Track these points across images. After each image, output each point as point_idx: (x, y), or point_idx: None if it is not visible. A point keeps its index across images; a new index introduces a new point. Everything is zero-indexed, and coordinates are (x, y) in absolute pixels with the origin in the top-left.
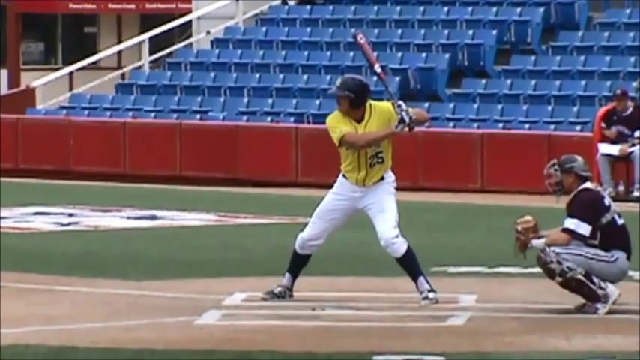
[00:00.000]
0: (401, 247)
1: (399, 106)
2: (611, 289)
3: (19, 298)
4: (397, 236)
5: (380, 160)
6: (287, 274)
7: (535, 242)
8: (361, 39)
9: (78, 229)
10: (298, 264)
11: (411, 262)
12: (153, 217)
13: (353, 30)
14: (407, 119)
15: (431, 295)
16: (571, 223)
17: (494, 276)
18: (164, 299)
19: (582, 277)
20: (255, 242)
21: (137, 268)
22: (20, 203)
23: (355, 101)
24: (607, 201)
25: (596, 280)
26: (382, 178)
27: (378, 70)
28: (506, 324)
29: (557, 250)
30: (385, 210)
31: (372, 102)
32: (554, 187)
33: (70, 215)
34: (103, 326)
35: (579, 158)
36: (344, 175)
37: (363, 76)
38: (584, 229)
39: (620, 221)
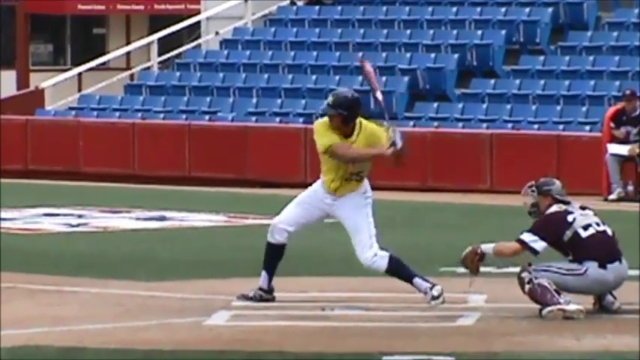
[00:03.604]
0: (382, 262)
1: (395, 130)
2: (573, 305)
3: (28, 299)
4: (375, 255)
5: (358, 178)
6: (263, 273)
7: (484, 247)
8: (367, 66)
9: (87, 230)
10: (271, 257)
11: (399, 270)
12: (162, 218)
13: (360, 54)
14: (399, 143)
15: (434, 292)
16: (527, 236)
17: (503, 276)
18: (173, 300)
19: (548, 285)
20: (264, 243)
21: (146, 268)
22: (29, 204)
23: (347, 118)
24: (572, 217)
25: (563, 295)
26: (362, 178)
27: (380, 97)
28: (515, 324)
29: (534, 268)
30: (358, 229)
31: (363, 120)
32: (529, 208)
33: (79, 216)
34: (112, 327)
35: (557, 182)
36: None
37: (352, 91)
38: (540, 246)
39: (585, 233)
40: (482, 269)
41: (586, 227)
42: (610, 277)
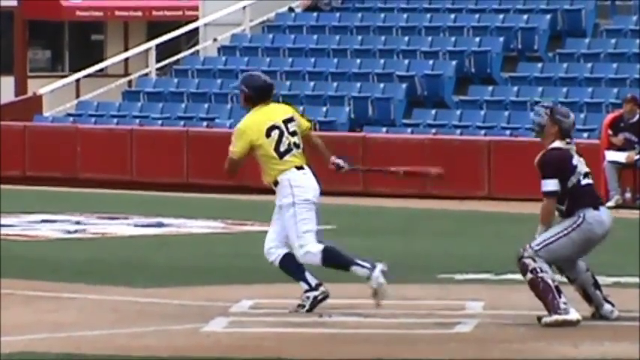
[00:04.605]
0: (314, 259)
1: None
2: (573, 312)
3: (26, 306)
4: (306, 253)
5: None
6: (301, 283)
7: (536, 234)
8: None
9: (85, 236)
10: (290, 268)
11: (336, 261)
12: (160, 225)
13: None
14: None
15: (376, 272)
16: (550, 184)
17: (501, 283)
18: (171, 306)
19: (551, 283)
20: (262, 249)
21: (144, 275)
22: (27, 210)
23: (251, 98)
24: (575, 161)
25: (563, 296)
26: (276, 183)
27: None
28: (513, 331)
29: (535, 249)
30: (285, 228)
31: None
32: (535, 126)
33: (77, 222)
34: (109, 333)
35: (572, 117)
36: None
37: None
38: (554, 184)
39: (583, 181)
40: (479, 276)
41: (585, 175)
42: (604, 217)
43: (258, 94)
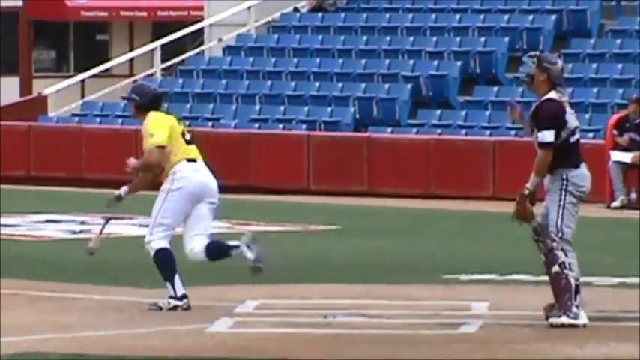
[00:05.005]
0: (151, 250)
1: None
2: (582, 317)
3: (30, 306)
4: (149, 242)
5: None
6: None
7: (527, 185)
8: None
9: (89, 236)
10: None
11: (160, 266)
12: None
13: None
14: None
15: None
16: (548, 135)
17: (506, 283)
18: None
19: (573, 283)
20: (266, 250)
21: (149, 275)
22: (32, 211)
23: (142, 106)
24: (567, 115)
25: (578, 297)
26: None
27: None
28: (518, 332)
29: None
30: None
31: (153, 114)
32: (525, 77)
33: (82, 223)
34: (114, 334)
35: (560, 63)
36: None
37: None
38: (551, 135)
39: (572, 138)
40: (484, 276)
41: (573, 132)
42: (585, 171)
43: (150, 102)
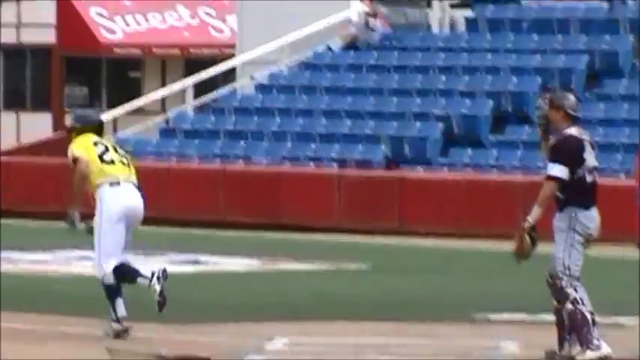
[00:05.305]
0: (104, 278)
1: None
2: (604, 347)
3: (64, 342)
4: (103, 275)
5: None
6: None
7: (529, 218)
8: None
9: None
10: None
11: (125, 277)
12: (196, 262)
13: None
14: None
15: (155, 281)
16: (558, 170)
17: (536, 323)
18: (205, 343)
19: (589, 317)
20: (297, 287)
21: (179, 312)
22: (63, 247)
23: (74, 128)
24: (585, 154)
25: (596, 330)
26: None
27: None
28: None
29: (561, 266)
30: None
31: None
32: (540, 120)
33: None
34: None
35: (572, 97)
36: None
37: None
38: (561, 170)
39: (589, 177)
40: (514, 316)
41: (591, 171)
42: (594, 214)
43: (82, 124)
